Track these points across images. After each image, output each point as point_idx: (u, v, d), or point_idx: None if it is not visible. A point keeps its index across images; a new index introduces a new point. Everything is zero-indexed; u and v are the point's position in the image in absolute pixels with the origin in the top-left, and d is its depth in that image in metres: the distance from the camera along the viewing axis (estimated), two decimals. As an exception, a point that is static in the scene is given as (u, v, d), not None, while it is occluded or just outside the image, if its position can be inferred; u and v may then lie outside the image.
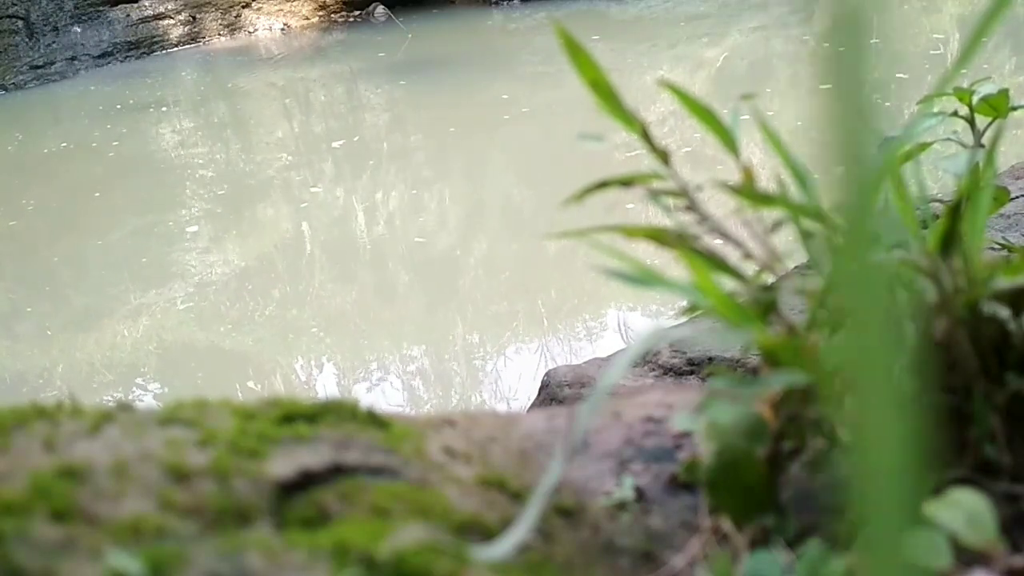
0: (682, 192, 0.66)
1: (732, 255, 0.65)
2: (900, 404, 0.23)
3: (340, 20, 9.92)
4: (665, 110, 5.49)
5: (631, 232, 0.65)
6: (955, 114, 1.15)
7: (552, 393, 1.40)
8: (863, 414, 0.23)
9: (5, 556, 0.46)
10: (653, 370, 1.37)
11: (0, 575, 0.45)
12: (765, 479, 0.60)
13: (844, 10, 0.22)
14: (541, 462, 0.68)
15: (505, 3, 9.70)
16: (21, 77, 8.38)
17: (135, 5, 9.10)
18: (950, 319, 0.59)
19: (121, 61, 8.92)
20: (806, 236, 0.64)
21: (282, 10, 9.79)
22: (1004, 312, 0.60)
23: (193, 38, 9.35)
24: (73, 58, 8.72)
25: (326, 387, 3.47)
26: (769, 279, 0.65)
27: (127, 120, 7.10)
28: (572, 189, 0.66)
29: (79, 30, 8.83)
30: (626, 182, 0.66)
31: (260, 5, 9.69)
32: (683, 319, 0.80)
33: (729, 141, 0.68)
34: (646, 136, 0.67)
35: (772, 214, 0.65)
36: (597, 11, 8.91)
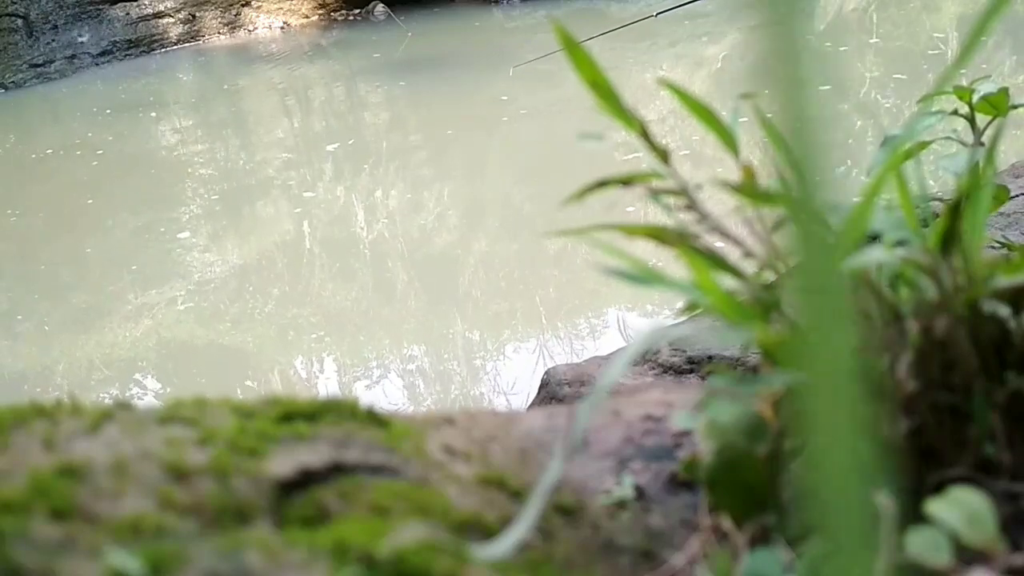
0: (682, 191, 0.66)
1: (732, 254, 0.65)
2: (854, 414, 0.22)
3: (340, 18, 9.91)
4: (665, 109, 5.49)
5: (631, 231, 0.65)
6: (955, 113, 1.15)
7: (552, 391, 1.40)
8: (817, 422, 0.23)
9: (5, 555, 0.46)
10: (653, 368, 1.37)
11: (0, 574, 0.45)
12: (765, 478, 0.60)
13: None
14: (541, 461, 0.68)
15: (505, 2, 9.70)
16: (21, 76, 8.37)
17: (135, 3, 9.09)
18: (950, 317, 0.59)
19: (121, 59, 8.91)
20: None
21: (282, 8, 9.78)
22: (1004, 310, 0.60)
23: (193, 36, 9.34)
24: (73, 56, 8.72)
25: (326, 386, 3.47)
26: (770, 277, 0.65)
27: (126, 119, 7.10)
28: (572, 188, 0.66)
29: (79, 28, 8.83)
30: (626, 181, 0.66)
31: (260, 3, 9.68)
32: (683, 317, 0.80)
33: (729, 140, 0.68)
34: (645, 135, 0.66)
35: (773, 212, 0.65)
36: (597, 9, 8.91)
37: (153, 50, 9.12)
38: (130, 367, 3.66)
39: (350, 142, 6.23)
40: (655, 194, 0.66)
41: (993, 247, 1.06)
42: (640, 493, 0.66)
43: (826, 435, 0.22)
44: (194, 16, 9.33)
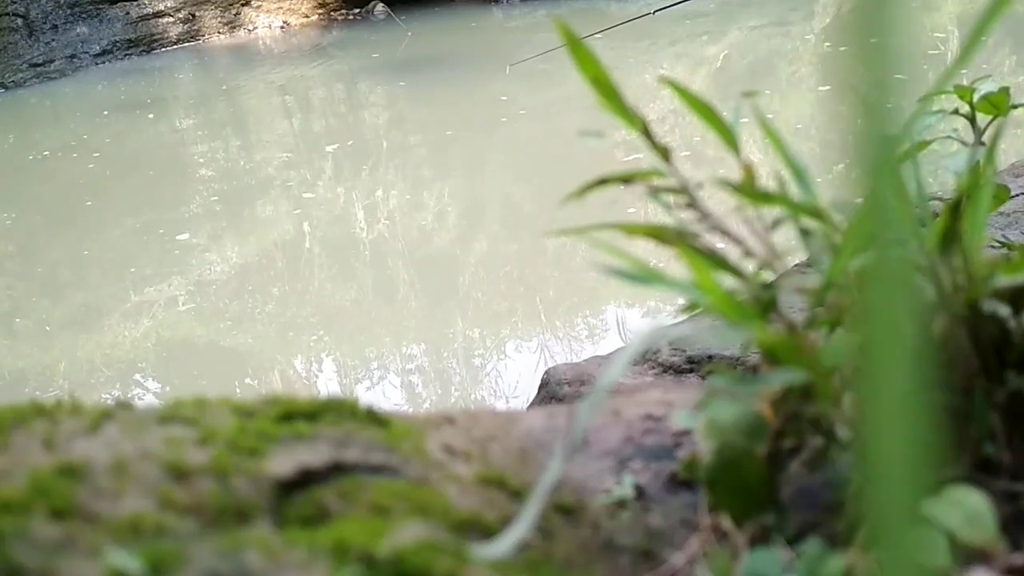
0: (682, 189, 0.66)
1: (732, 253, 0.65)
2: (912, 402, 0.22)
3: (340, 18, 9.91)
4: (665, 108, 5.49)
5: (631, 230, 0.65)
6: (956, 112, 1.15)
7: (552, 391, 1.40)
8: (874, 412, 0.22)
9: (5, 554, 0.46)
10: (653, 368, 1.37)
11: (0, 573, 0.45)
12: (765, 477, 0.60)
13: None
14: (541, 460, 0.68)
15: (505, 1, 9.69)
16: (21, 75, 8.37)
17: (135, 3, 9.09)
18: (950, 317, 0.59)
19: (120, 59, 8.90)
20: (806, 234, 0.64)
21: (282, 8, 9.78)
22: (1004, 310, 0.60)
23: (193, 36, 9.34)
24: (73, 56, 8.71)
25: (326, 385, 3.47)
26: (769, 277, 0.65)
27: (126, 118, 7.10)
28: (572, 187, 0.66)
29: (79, 28, 8.82)
30: (626, 179, 0.66)
31: (260, 3, 9.68)
32: (683, 317, 0.80)
33: (729, 138, 0.68)
34: (647, 133, 0.66)
35: (772, 212, 0.65)
36: (597, 9, 8.91)
37: (153, 50, 9.12)
38: (130, 367, 3.66)
39: (350, 142, 6.23)
40: (655, 192, 0.66)
41: (993, 247, 1.06)
42: (640, 493, 0.66)
43: (885, 424, 0.22)
44: (194, 16, 9.33)
